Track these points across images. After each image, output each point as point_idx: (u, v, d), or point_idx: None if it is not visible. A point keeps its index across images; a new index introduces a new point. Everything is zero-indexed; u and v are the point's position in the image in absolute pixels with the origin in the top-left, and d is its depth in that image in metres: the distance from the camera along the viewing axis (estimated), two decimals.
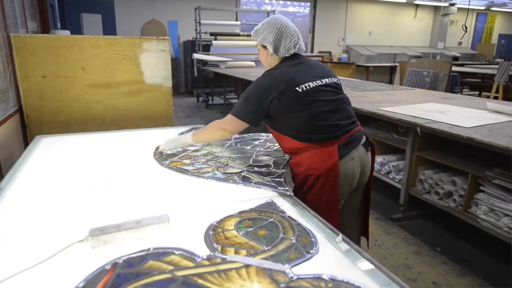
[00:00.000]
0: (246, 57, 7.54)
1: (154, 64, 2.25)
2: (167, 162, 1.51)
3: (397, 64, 9.09)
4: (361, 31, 11.53)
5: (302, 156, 1.44)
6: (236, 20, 9.41)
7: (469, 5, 6.66)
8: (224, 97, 7.12)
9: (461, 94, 7.87)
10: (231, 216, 1.02)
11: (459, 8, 11.62)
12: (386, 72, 10.87)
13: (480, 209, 2.15)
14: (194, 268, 0.78)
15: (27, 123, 1.95)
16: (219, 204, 1.09)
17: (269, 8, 10.29)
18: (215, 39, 7.21)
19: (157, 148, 1.66)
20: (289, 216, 1.03)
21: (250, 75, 5.45)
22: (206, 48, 7.57)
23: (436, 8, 12.05)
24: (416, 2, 11.60)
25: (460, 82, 7.23)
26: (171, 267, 0.78)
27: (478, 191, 2.19)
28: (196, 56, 7.34)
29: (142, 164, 1.48)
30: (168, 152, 1.63)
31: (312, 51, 10.83)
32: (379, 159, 2.96)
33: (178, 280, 0.73)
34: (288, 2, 10.92)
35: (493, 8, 12.76)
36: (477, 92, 7.58)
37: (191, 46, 8.46)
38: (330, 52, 10.86)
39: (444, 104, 3.03)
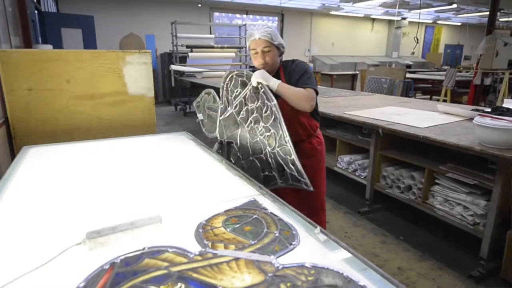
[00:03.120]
0: (220, 67, 7.55)
1: (137, 75, 2.22)
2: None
3: (357, 72, 9.39)
4: (325, 43, 11.83)
5: (318, 132, 1.78)
6: (210, 34, 9.41)
7: (419, 18, 6.98)
8: None
9: (415, 98, 8.21)
10: (218, 215, 1.03)
11: (410, 22, 12.16)
12: (348, 79, 11.18)
13: (436, 200, 2.26)
14: (188, 264, 0.79)
15: (13, 134, 1.88)
16: (206, 204, 1.10)
17: (240, 22, 10.36)
18: (191, 51, 7.19)
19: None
20: (271, 212, 1.06)
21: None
22: (183, 60, 7.53)
23: (390, 21, 12.55)
24: (372, 17, 12.04)
25: (414, 87, 7.55)
26: (166, 264, 0.78)
27: (434, 184, 2.31)
28: (174, 67, 7.28)
29: (129, 168, 1.47)
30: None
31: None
32: (346, 158, 3.05)
33: (174, 275, 0.74)
34: (258, 17, 11.03)
35: (439, 22, 13.44)
36: (428, 96, 7.94)
37: (168, 58, 8.38)
38: None
39: (401, 107, 3.16)
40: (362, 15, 11.81)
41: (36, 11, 5.28)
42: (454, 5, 9.13)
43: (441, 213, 2.21)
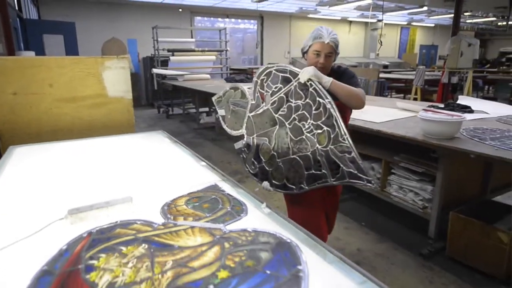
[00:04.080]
0: (201, 70, 7.71)
1: (116, 79, 2.38)
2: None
3: None
4: None
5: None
6: (192, 37, 9.55)
7: (380, 20, 7.30)
8: (183, 107, 7.23)
9: (390, 97, 8.55)
10: (182, 196, 1.21)
11: (386, 24, 12.57)
12: None
13: (392, 188, 2.50)
14: (152, 231, 0.96)
15: (0, 135, 2.01)
16: (173, 189, 1.28)
17: (222, 25, 10.55)
18: (173, 55, 7.32)
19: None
20: (228, 194, 1.24)
21: (206, 86, 5.63)
22: (165, 63, 7.66)
23: (366, 23, 12.94)
24: (349, 19, 12.41)
25: (388, 86, 7.88)
26: (134, 232, 0.96)
27: (390, 174, 2.54)
28: (156, 71, 7.40)
29: (107, 161, 1.63)
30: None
31: (262, 63, 11.21)
32: None
33: (140, 239, 0.92)
34: (239, 20, 11.24)
35: (414, 23, 13.93)
36: (402, 95, 8.29)
37: (150, 62, 8.48)
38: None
39: (367, 105, 3.40)
40: (339, 18, 12.17)
41: (18, 19, 5.34)
42: (425, 8, 9.55)
43: (397, 200, 2.45)
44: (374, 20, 11.73)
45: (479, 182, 2.51)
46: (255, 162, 1.69)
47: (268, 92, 1.58)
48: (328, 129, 1.39)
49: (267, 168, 1.64)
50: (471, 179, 2.46)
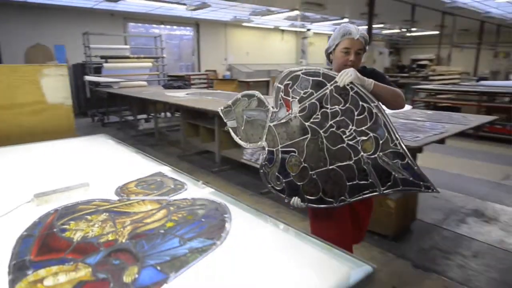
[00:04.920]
0: (138, 77, 7.72)
1: (55, 86, 2.49)
2: None
3: (269, 78, 10.31)
4: (240, 52, 12.62)
5: None
6: (125, 44, 9.45)
7: (298, 28, 8.06)
8: (120, 115, 7.18)
9: None
10: (132, 181, 1.47)
11: (315, 33, 13.63)
12: (264, 85, 12.09)
13: None
14: (110, 205, 1.22)
15: None
16: (124, 177, 1.52)
17: (157, 31, 10.58)
18: (106, 62, 7.23)
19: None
20: (170, 177, 1.53)
21: (144, 93, 5.73)
22: (98, 71, 7.52)
23: (297, 32, 13.90)
24: (281, 28, 13.23)
25: None
26: (95, 206, 1.20)
27: None
28: (88, 78, 7.25)
29: (58, 160, 1.80)
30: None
31: (199, 70, 11.44)
32: (249, 150, 3.64)
33: (101, 210, 1.17)
34: (175, 27, 11.36)
35: None
36: None
37: (81, 69, 8.23)
38: (215, 71, 11.62)
39: None
40: (272, 27, 12.92)
41: None
42: (346, 19, 10.64)
43: None
44: (304, 29, 12.66)
45: None
46: (280, 177, 1.54)
47: (295, 98, 1.46)
48: (375, 135, 1.33)
49: (297, 182, 1.50)
50: None
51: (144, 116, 7.27)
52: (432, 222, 2.79)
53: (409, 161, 1.30)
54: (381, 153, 1.33)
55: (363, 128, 1.35)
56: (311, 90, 1.43)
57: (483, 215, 2.90)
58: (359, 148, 1.37)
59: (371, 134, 1.34)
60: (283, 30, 13.64)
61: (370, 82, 1.38)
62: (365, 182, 1.37)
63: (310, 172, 1.46)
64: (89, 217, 1.12)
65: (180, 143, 5.02)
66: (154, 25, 10.84)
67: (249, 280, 0.80)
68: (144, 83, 7.61)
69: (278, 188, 1.56)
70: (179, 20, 10.71)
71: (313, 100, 1.43)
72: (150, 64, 7.92)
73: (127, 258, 0.88)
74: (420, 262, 2.25)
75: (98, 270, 0.83)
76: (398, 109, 1.53)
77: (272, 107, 1.54)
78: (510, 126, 5.54)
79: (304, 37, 13.30)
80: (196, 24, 11.23)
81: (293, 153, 1.50)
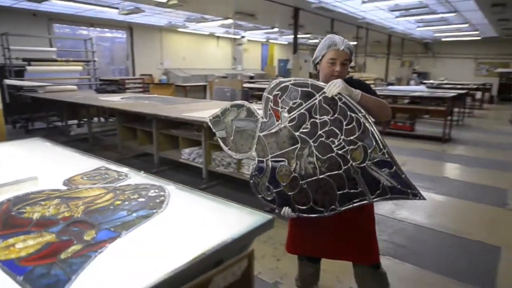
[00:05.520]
0: (67, 81, 7.41)
1: None
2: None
3: (207, 83, 10.54)
4: (176, 57, 12.64)
5: None
6: (51, 46, 8.95)
7: (228, 36, 8.50)
8: (47, 121, 6.83)
9: (256, 103, 9.84)
10: (78, 174, 1.63)
11: (249, 40, 14.18)
12: (201, 90, 12.25)
13: (245, 168, 3.29)
14: (60, 193, 1.39)
15: None
16: (68, 171, 1.67)
17: (85, 33, 10.16)
18: (29, 65, 6.83)
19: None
20: (113, 169, 1.72)
21: (75, 97, 5.59)
22: (20, 74, 7.05)
23: (232, 39, 14.32)
24: (217, 34, 13.54)
25: (251, 95, 9.11)
26: (46, 195, 1.37)
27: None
28: (9, 82, 6.78)
29: (2, 164, 1.86)
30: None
31: (134, 74, 11.21)
32: (187, 150, 3.86)
33: (53, 197, 1.34)
34: (106, 29, 10.99)
35: (271, 40, 16.07)
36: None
37: (0, 72, 7.62)
38: (151, 75, 11.49)
39: None
40: (207, 33, 13.16)
41: None
42: (276, 29, 11.33)
43: (248, 177, 3.24)
44: (238, 37, 13.12)
45: None
46: (271, 187, 1.56)
47: (285, 108, 1.47)
48: (363, 144, 1.36)
49: (287, 192, 1.52)
50: None
51: (75, 121, 7.00)
52: None
53: (397, 169, 1.32)
54: (369, 162, 1.35)
55: (351, 137, 1.38)
56: (300, 101, 1.44)
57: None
58: (349, 157, 1.38)
59: (360, 143, 1.36)
60: (218, 37, 13.95)
61: (358, 92, 1.43)
62: (355, 190, 1.39)
63: (301, 182, 1.47)
64: (43, 202, 1.29)
65: (117, 147, 5.03)
66: (83, 27, 10.39)
67: (184, 233, 1.07)
68: (74, 87, 7.34)
69: (269, 198, 1.57)
70: (110, 22, 10.41)
71: (302, 110, 1.44)
72: (80, 68, 7.65)
73: (84, 226, 1.09)
74: None
75: (61, 235, 1.03)
76: (384, 119, 1.56)
77: (262, 117, 1.54)
78: (409, 124, 6.57)
79: (239, 44, 13.76)
80: (129, 27, 11.00)
81: (283, 163, 1.50)
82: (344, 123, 1.39)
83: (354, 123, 1.37)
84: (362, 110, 1.38)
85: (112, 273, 0.83)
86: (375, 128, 1.35)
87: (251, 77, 13.22)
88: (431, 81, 13.23)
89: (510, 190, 3.95)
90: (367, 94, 1.47)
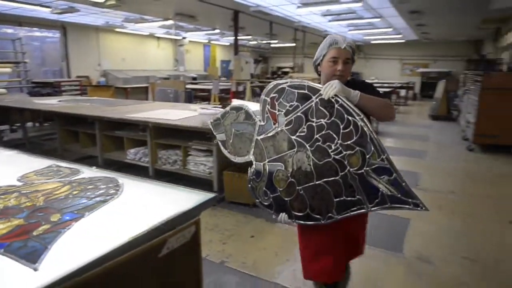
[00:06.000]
0: None
1: None
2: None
3: (148, 84, 10.42)
4: (115, 58, 12.24)
5: None
6: None
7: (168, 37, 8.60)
8: None
9: (199, 104, 9.98)
10: (30, 172, 1.74)
11: (191, 41, 14.20)
12: (143, 91, 12.02)
13: (190, 165, 3.50)
14: (17, 188, 1.51)
15: None
16: (20, 169, 1.76)
17: (9, 31, 9.45)
18: None
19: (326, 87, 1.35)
20: (65, 166, 1.85)
21: (5, 101, 5.30)
22: None
23: (173, 40, 14.23)
24: (157, 35, 13.37)
25: (195, 96, 9.24)
26: (3, 190, 1.48)
27: (188, 155, 3.54)
28: None
29: None
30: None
31: (69, 76, 10.68)
32: (132, 150, 3.96)
33: (10, 191, 1.46)
34: (35, 29, 10.31)
35: (213, 42, 16.24)
36: (207, 102, 9.84)
37: None
38: (88, 77, 11.03)
39: (170, 109, 4.35)
40: (147, 33, 12.94)
41: None
42: (217, 30, 11.55)
43: (194, 173, 3.46)
44: (179, 37, 13.08)
45: None
46: (268, 192, 1.52)
47: (281, 111, 1.43)
48: (361, 149, 1.29)
49: (284, 197, 1.48)
50: None
51: (6, 126, 6.57)
52: None
53: (397, 177, 1.24)
54: (368, 168, 1.27)
55: (349, 142, 1.30)
56: (296, 103, 1.39)
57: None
58: (346, 162, 1.31)
59: (358, 148, 1.29)
60: (159, 38, 13.77)
61: (356, 94, 1.34)
62: (352, 198, 1.32)
63: (297, 188, 1.42)
64: (2, 196, 1.41)
65: (57, 151, 4.90)
66: (9, 26, 9.64)
67: (142, 210, 1.28)
68: (3, 90, 6.87)
69: (266, 203, 1.53)
70: (41, 22, 9.80)
71: (299, 113, 1.39)
72: (8, 70, 7.18)
73: (49, 211, 1.25)
74: (271, 217, 3.03)
75: (29, 219, 1.19)
76: (388, 120, 1.47)
77: (260, 120, 1.50)
78: None
79: (180, 45, 13.73)
80: (63, 27, 10.45)
81: (280, 168, 1.46)
82: (341, 126, 1.31)
83: (351, 127, 1.29)
84: (360, 113, 1.29)
85: (83, 242, 1.03)
86: (373, 133, 1.26)
87: (194, 78, 13.28)
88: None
89: (422, 173, 4.65)
90: (368, 95, 1.37)
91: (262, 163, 1.51)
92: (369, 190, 1.30)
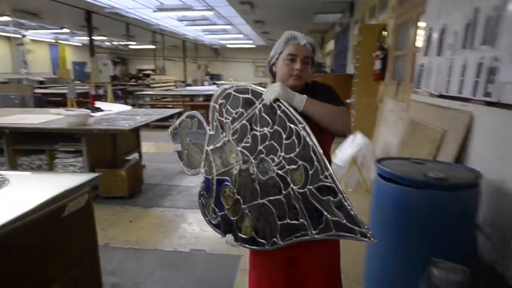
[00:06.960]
0: None
1: None
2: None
3: None
4: None
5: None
6: None
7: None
8: None
9: (53, 109, 9.09)
10: None
11: (33, 40, 12.58)
12: None
13: (58, 167, 3.54)
14: None
15: None
16: None
17: None
18: None
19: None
20: None
21: None
22: None
23: (11, 38, 12.35)
24: None
25: (46, 100, 8.44)
26: None
27: (55, 158, 3.56)
28: None
29: None
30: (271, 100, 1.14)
31: None
32: None
33: None
34: None
35: (61, 41, 14.75)
36: (62, 107, 9.10)
37: None
38: None
39: (27, 114, 4.15)
40: None
41: None
42: (66, 30, 10.70)
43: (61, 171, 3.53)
44: (18, 36, 11.46)
45: (111, 147, 4.01)
46: (216, 210, 1.35)
47: (228, 119, 1.27)
48: (304, 163, 1.10)
49: (230, 216, 1.30)
50: (105, 147, 3.89)
51: None
52: (154, 183, 4.13)
53: (342, 199, 1.05)
54: (311, 187, 1.09)
55: (291, 155, 1.12)
56: (241, 110, 1.23)
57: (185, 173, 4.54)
58: (289, 179, 1.13)
59: (300, 163, 1.11)
60: None
61: (301, 99, 1.15)
62: (296, 222, 1.14)
63: (243, 206, 1.25)
64: None
65: None
66: None
67: (43, 188, 1.57)
68: None
69: (214, 222, 1.36)
70: None
71: (243, 121, 1.22)
72: None
73: None
74: (147, 204, 3.47)
75: None
76: (341, 131, 1.24)
77: (210, 130, 1.35)
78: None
79: (20, 44, 12.04)
80: None
81: (227, 183, 1.29)
82: (284, 136, 1.13)
83: (294, 137, 1.11)
84: (302, 121, 1.10)
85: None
86: (316, 144, 1.08)
87: (41, 82, 11.91)
88: (221, 82, 15.71)
89: None
90: (317, 101, 1.17)
91: (210, 177, 1.35)
92: (313, 214, 1.10)
